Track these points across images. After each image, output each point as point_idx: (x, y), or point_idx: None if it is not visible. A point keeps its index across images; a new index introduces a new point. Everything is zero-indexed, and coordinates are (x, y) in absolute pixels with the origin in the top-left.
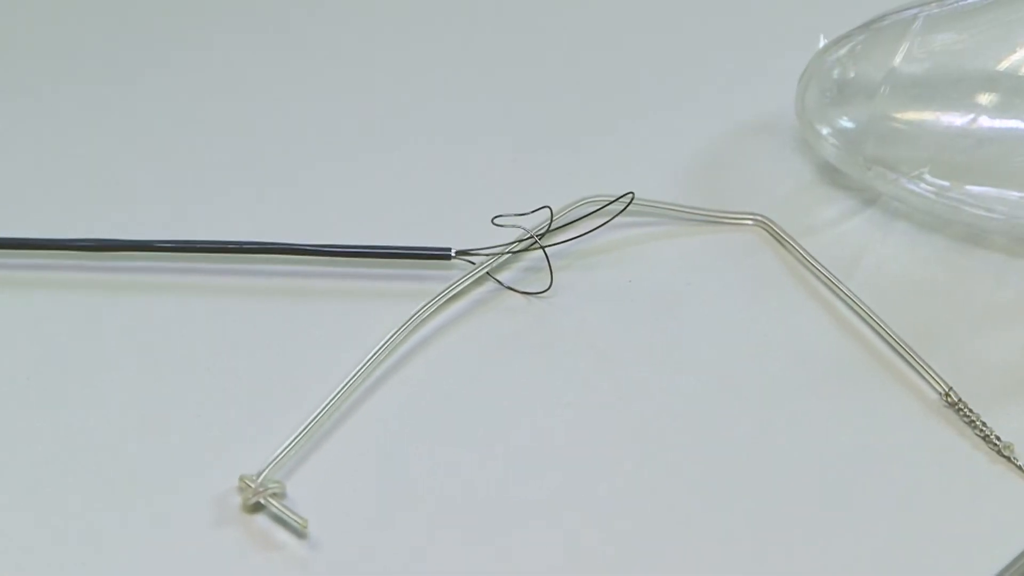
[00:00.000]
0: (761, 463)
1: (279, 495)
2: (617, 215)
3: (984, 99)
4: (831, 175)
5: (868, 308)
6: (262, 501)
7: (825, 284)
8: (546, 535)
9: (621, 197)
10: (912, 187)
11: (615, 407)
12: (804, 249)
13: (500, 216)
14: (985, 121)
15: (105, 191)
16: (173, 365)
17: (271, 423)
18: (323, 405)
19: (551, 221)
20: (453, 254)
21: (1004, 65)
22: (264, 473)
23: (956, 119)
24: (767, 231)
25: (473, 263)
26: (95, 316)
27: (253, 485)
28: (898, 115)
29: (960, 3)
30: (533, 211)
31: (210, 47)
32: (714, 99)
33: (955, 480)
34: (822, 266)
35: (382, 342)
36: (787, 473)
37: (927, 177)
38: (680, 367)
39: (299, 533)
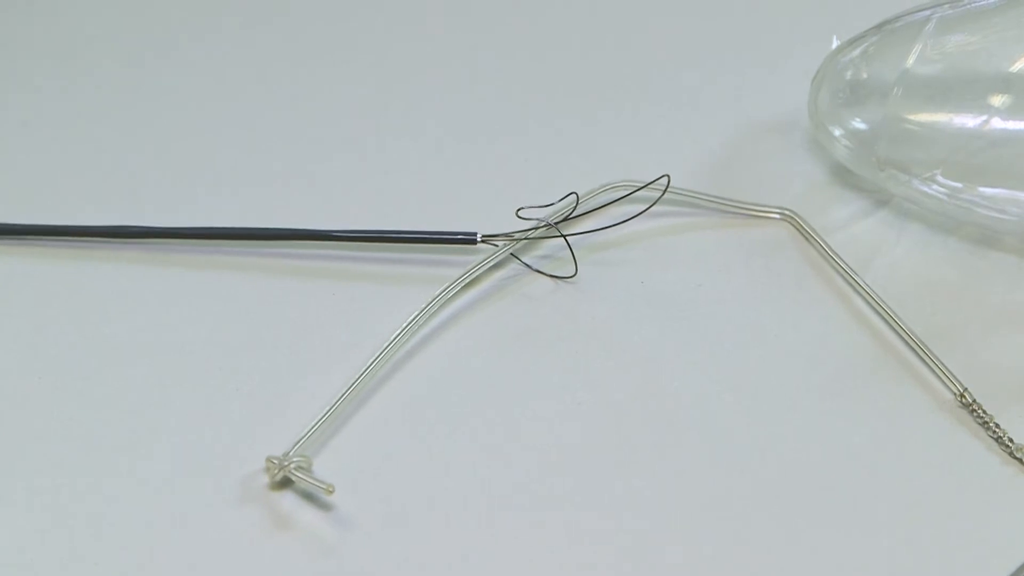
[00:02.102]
0: (775, 460)
1: (304, 468)
2: (655, 203)
3: (997, 101)
4: (844, 176)
5: (889, 308)
6: (288, 475)
7: (848, 282)
8: (560, 527)
9: (650, 184)
10: (925, 188)
11: (629, 398)
12: (829, 245)
13: (524, 208)
14: (998, 123)
15: (135, 180)
16: (197, 351)
17: (295, 407)
18: (346, 388)
19: (575, 207)
20: (479, 239)
21: (1018, 66)
22: (290, 453)
23: (969, 121)
24: (793, 225)
25: (498, 246)
26: (121, 299)
27: (278, 462)
28: (911, 116)
29: (974, 4)
30: (560, 199)
31: (232, 36)
32: (727, 99)
33: (968, 481)
34: (846, 263)
35: (404, 324)
36: (800, 472)
37: (940, 179)
38: (698, 361)
39: (326, 505)
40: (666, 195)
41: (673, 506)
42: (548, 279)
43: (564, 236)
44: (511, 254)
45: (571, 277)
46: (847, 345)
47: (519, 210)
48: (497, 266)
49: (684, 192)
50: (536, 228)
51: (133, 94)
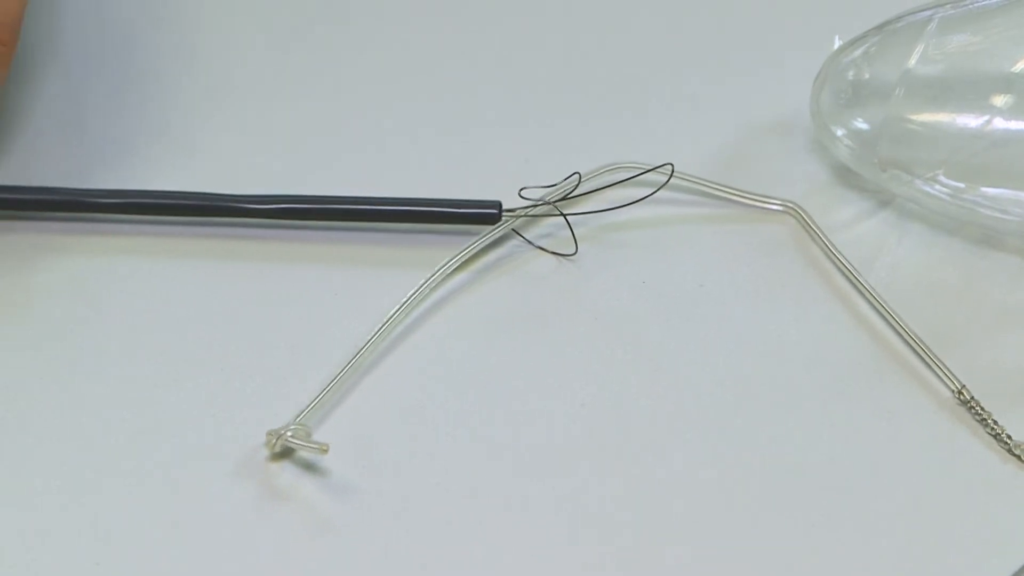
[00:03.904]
0: (772, 458)
1: (301, 436)
2: (661, 188)
3: (999, 101)
4: (846, 177)
5: (888, 305)
6: (285, 442)
7: (849, 279)
8: (557, 515)
9: (655, 168)
10: (927, 189)
11: (630, 393)
12: (831, 240)
13: (527, 188)
14: (1000, 123)
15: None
16: (196, 334)
17: (295, 385)
18: (345, 365)
19: (576, 186)
20: (500, 212)
21: (1020, 67)
22: (289, 425)
23: (971, 121)
24: (796, 219)
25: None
26: (117, 283)
27: (275, 432)
28: (913, 117)
29: (976, 4)
30: (564, 179)
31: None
32: (728, 100)
33: (966, 478)
34: (847, 259)
35: (403, 300)
36: (799, 469)
37: (942, 179)
38: (699, 360)
39: (324, 471)
40: (670, 183)
41: (672, 505)
42: (548, 262)
43: (564, 215)
44: (512, 230)
45: (572, 255)
46: (847, 343)
47: (522, 190)
48: (496, 247)
49: (688, 178)
50: (536, 205)
51: (125, 74)
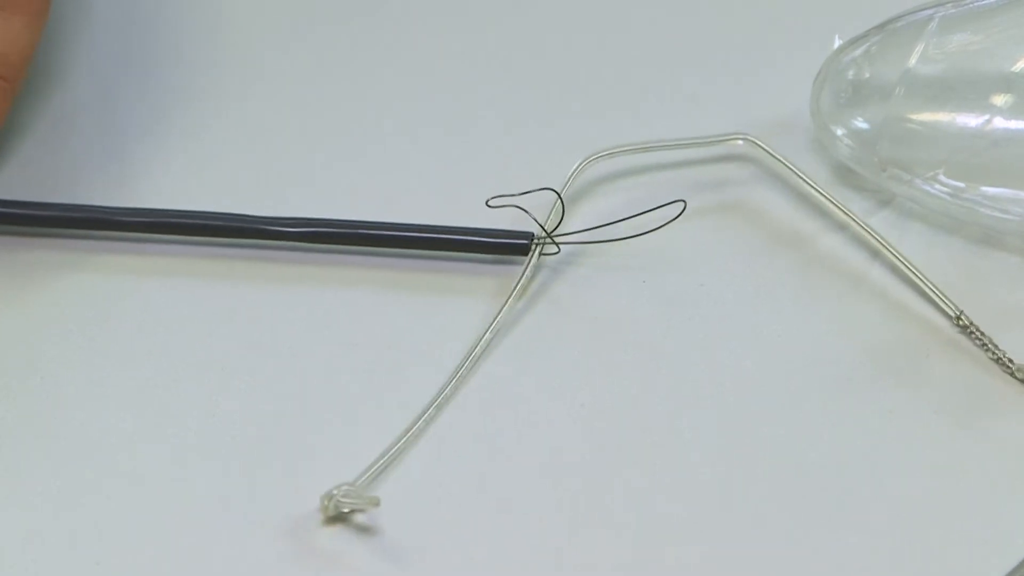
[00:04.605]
0: (773, 457)
1: (354, 498)
2: (671, 222)
3: (999, 100)
4: (846, 176)
5: (877, 233)
6: (338, 504)
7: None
8: (552, 530)
9: (664, 205)
10: (927, 188)
11: (633, 399)
12: (795, 166)
13: (495, 197)
14: (1000, 122)
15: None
16: (215, 349)
17: (300, 412)
18: (410, 425)
19: (563, 214)
20: (531, 242)
21: (1020, 66)
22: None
23: (971, 120)
24: (754, 143)
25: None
26: (138, 296)
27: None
28: (913, 116)
29: (976, 4)
30: (539, 189)
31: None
32: (728, 100)
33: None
34: (812, 180)
35: (469, 353)
36: (798, 469)
37: (942, 178)
38: (697, 357)
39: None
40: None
41: (673, 505)
42: (546, 263)
43: (556, 242)
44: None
45: (554, 254)
46: (847, 341)
47: (489, 200)
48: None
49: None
50: (571, 233)
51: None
